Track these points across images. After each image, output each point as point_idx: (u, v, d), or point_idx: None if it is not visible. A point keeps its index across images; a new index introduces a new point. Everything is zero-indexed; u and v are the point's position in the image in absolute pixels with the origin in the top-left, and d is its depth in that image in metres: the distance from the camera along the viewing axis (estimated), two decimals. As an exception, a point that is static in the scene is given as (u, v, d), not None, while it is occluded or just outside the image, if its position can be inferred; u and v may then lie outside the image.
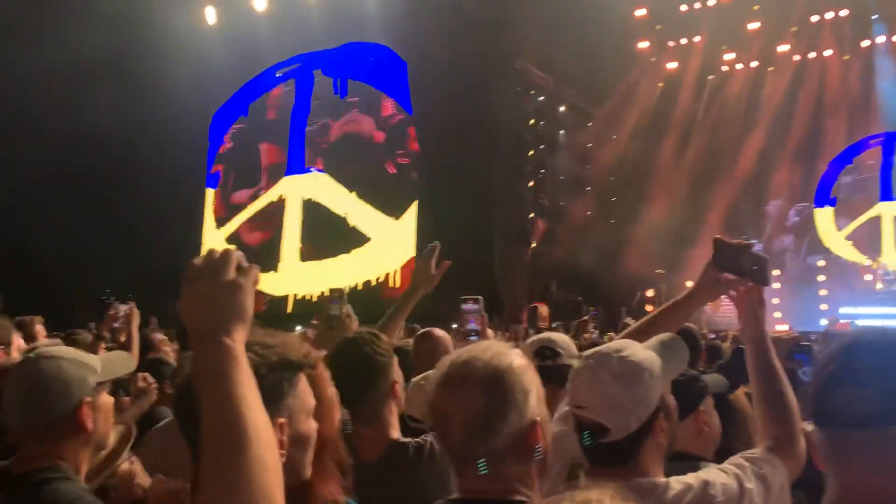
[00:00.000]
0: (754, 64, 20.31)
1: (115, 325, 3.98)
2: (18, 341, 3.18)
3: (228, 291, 1.12)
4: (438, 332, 3.57)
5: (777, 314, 19.48)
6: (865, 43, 19.34)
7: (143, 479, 2.40)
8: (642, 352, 1.73)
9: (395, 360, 2.40)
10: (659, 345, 1.79)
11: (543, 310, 17.51)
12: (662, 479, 1.68)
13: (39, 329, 3.93)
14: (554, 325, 11.55)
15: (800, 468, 1.83)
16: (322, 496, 1.51)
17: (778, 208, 20.61)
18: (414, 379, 2.61)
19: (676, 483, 1.67)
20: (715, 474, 1.72)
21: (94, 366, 2.02)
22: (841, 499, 1.12)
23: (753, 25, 19.44)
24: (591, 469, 1.73)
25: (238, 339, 1.10)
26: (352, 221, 19.94)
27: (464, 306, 3.20)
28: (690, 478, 1.70)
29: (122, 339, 3.52)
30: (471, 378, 1.40)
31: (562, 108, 20.49)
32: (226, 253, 1.16)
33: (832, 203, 19.96)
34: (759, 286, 2.00)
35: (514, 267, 17.89)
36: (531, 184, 19.27)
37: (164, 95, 18.08)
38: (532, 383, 1.44)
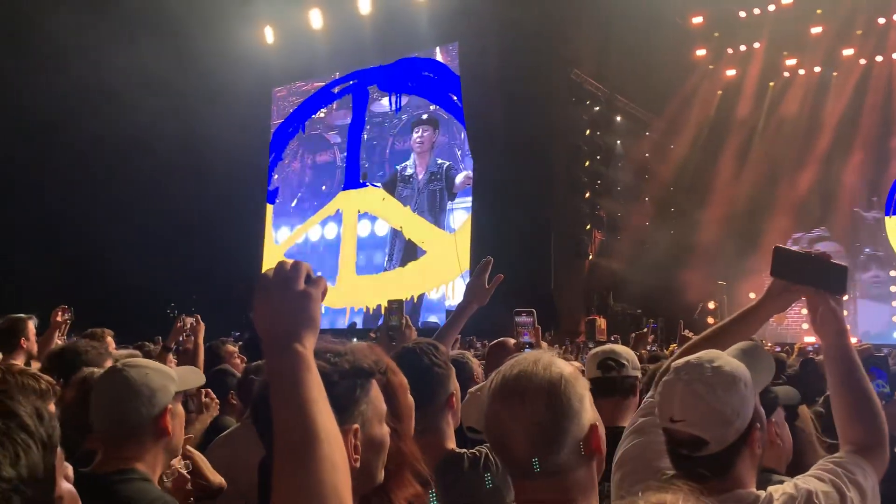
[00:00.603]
0: (817, 69, 19.75)
1: (182, 336, 4.09)
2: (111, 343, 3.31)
3: (299, 300, 1.18)
4: (512, 341, 3.58)
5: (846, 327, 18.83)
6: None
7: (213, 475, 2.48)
8: (733, 361, 1.69)
9: (453, 371, 2.40)
10: (741, 354, 1.75)
11: (601, 322, 17.29)
12: (762, 491, 1.65)
13: (110, 341, 4.06)
14: (612, 339, 11.37)
15: (884, 469, 1.78)
16: (404, 499, 1.51)
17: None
18: (471, 389, 2.61)
19: (777, 493, 1.64)
20: (814, 483, 1.67)
21: (173, 376, 2.14)
22: None
23: (816, 29, 18.92)
24: (685, 484, 1.69)
25: (308, 346, 1.15)
26: (407, 234, 20.10)
27: (517, 319, 3.18)
28: (789, 487, 1.66)
29: (189, 347, 3.61)
30: (529, 391, 1.40)
31: (618, 118, 20.27)
32: (296, 264, 1.21)
33: (903, 211, 19.23)
34: (827, 294, 1.92)
35: (571, 279, 17.71)
36: (587, 195, 19.09)
37: (226, 113, 18.59)
38: (584, 388, 1.44)
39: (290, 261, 1.22)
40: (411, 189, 20.53)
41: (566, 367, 1.46)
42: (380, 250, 20.64)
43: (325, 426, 1.08)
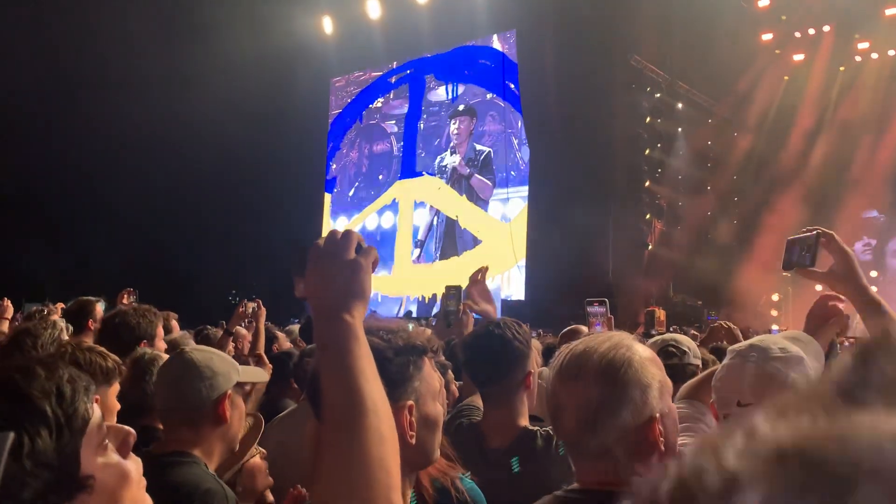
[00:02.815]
0: (892, 52, 18.89)
1: (245, 321, 4.16)
2: (161, 332, 3.39)
3: (349, 270, 1.16)
4: (584, 328, 3.58)
5: None
6: None
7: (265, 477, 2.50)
8: (792, 344, 1.65)
9: (534, 351, 2.40)
10: (792, 340, 1.71)
11: (661, 314, 16.96)
12: None
13: (174, 324, 4.16)
14: (671, 329, 11.16)
15: None
16: (429, 472, 1.52)
17: None
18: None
19: None
20: None
21: (238, 367, 2.16)
22: None
23: (891, 11, 18.09)
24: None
25: (357, 316, 1.13)
26: (463, 224, 20.09)
27: (589, 308, 3.15)
28: None
29: (251, 331, 3.68)
30: (585, 369, 1.36)
31: (679, 105, 19.80)
32: (347, 234, 1.20)
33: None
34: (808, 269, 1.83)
35: (630, 270, 17.43)
36: (647, 184, 18.73)
37: (286, 103, 18.88)
38: (654, 377, 1.37)
39: (341, 230, 1.20)
40: (445, 176, 20.61)
41: (639, 352, 1.39)
42: (429, 240, 20.75)
43: (372, 397, 1.06)
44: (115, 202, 16.45)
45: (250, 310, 3.83)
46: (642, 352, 1.40)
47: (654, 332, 7.95)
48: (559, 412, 1.39)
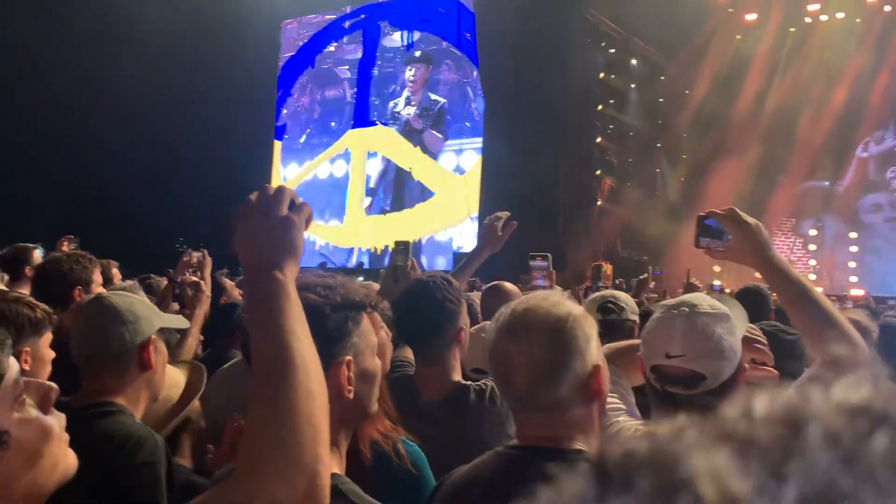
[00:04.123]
0: (840, 15, 19.19)
1: (189, 271, 4.09)
2: (99, 278, 3.30)
3: (281, 226, 1.15)
4: (508, 285, 3.59)
5: (853, 278, 18.81)
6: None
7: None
8: (719, 302, 1.72)
9: (465, 306, 2.42)
10: (720, 300, 1.78)
11: (608, 268, 17.28)
12: None
13: (115, 273, 4.07)
14: (616, 283, 11.41)
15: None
16: (369, 434, 1.55)
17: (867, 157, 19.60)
18: (470, 330, 2.62)
19: None
20: None
21: (158, 311, 2.10)
22: None
23: (842, -27, 18.36)
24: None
25: (289, 273, 1.13)
26: (416, 176, 20.00)
27: (532, 263, 3.19)
28: None
29: (188, 283, 3.61)
30: (535, 326, 1.41)
31: (633, 62, 19.86)
32: (280, 189, 1.18)
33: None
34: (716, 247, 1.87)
35: (579, 224, 17.66)
36: (599, 140, 18.86)
37: (234, 46, 18.31)
38: (592, 328, 1.45)
39: (274, 186, 1.18)
40: (399, 125, 20.45)
41: (576, 307, 1.46)
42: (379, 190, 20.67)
43: (301, 353, 1.06)
44: (57, 149, 15.89)
45: (195, 259, 3.76)
46: (578, 307, 1.48)
47: (600, 286, 8.15)
48: (508, 369, 1.42)
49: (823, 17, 19.41)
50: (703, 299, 1.70)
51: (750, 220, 1.84)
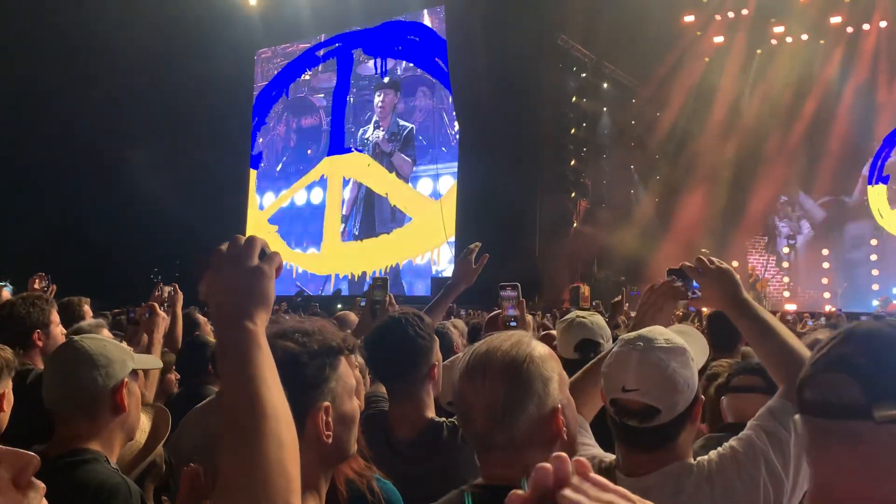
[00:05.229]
0: (805, 37, 19.66)
1: (163, 306, 4.06)
2: (56, 318, 3.26)
3: (251, 277, 1.15)
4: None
5: (826, 294, 19.07)
6: (923, 13, 18.56)
7: None
8: (677, 336, 1.76)
9: (437, 342, 2.43)
10: (680, 334, 1.82)
11: (585, 290, 17.34)
12: (701, 457, 1.74)
13: (87, 310, 4.03)
14: (594, 304, 11.46)
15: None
16: (344, 472, 1.56)
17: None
18: (445, 362, 2.64)
19: (707, 459, 1.74)
20: (734, 440, 1.78)
21: (132, 353, 2.09)
22: (814, 499, 1.00)
23: (805, -3, 18.82)
24: (627, 456, 1.74)
25: (259, 323, 1.13)
26: (393, 201, 20.04)
27: (501, 293, 3.21)
28: (713, 454, 1.75)
29: (143, 318, 3.57)
30: (490, 368, 1.42)
31: (605, 85, 20.16)
32: (251, 240, 1.19)
33: (885, 180, 19.34)
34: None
35: (556, 247, 17.77)
36: (573, 163, 19.05)
37: (209, 75, 18.32)
38: (553, 370, 1.45)
39: (244, 236, 1.20)
40: (368, 152, 20.56)
41: (538, 349, 1.47)
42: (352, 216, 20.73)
43: (272, 403, 1.07)
44: (24, 179, 15.75)
45: (166, 294, 3.73)
46: (541, 348, 1.48)
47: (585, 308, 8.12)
48: (468, 411, 1.44)
49: (788, 39, 19.87)
50: (659, 333, 1.74)
51: (720, 266, 1.96)
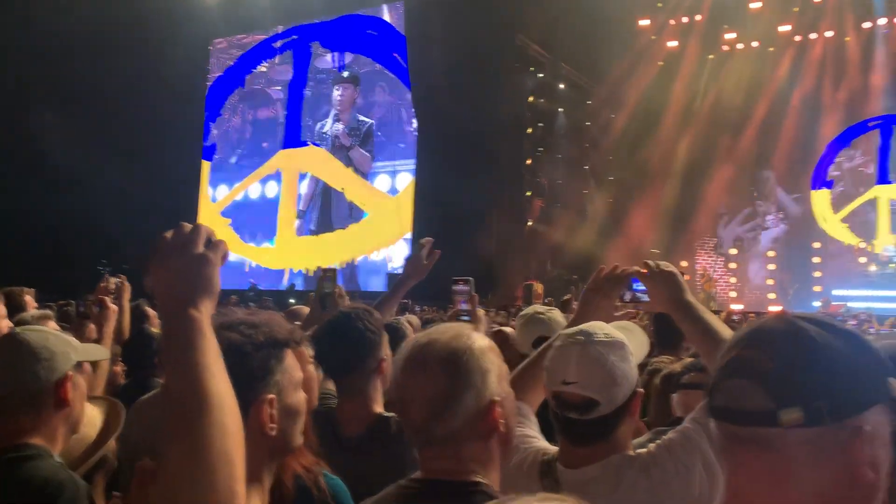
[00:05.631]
0: (755, 44, 20.15)
1: (108, 297, 3.98)
2: (2, 310, 3.17)
3: (196, 265, 1.15)
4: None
5: (771, 295, 19.60)
6: (867, 25, 19.18)
7: None
8: (618, 331, 1.81)
9: (386, 337, 2.44)
10: (621, 328, 1.87)
11: (538, 287, 17.50)
12: (641, 449, 1.79)
13: (29, 300, 3.93)
14: (545, 302, 11.59)
15: None
16: (292, 468, 1.56)
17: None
18: (395, 358, 2.65)
19: (648, 447, 1.79)
20: (672, 432, 1.83)
21: (75, 345, 2.04)
22: (726, 503, 0.99)
23: (755, 5, 19.28)
24: (568, 448, 1.77)
25: (204, 311, 1.13)
26: (349, 196, 19.93)
27: (454, 287, 3.23)
28: (652, 446, 1.80)
29: (94, 310, 3.49)
30: (430, 360, 1.42)
31: (561, 86, 20.36)
32: (196, 227, 1.19)
33: (829, 185, 19.95)
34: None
35: (511, 245, 17.90)
36: (529, 162, 19.20)
37: (162, 65, 17.95)
38: (492, 363, 1.45)
39: (190, 224, 1.20)
40: (327, 146, 20.43)
41: (478, 341, 1.47)
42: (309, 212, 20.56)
43: (216, 391, 1.07)
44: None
45: (112, 285, 3.65)
46: (481, 341, 1.49)
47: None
48: (407, 404, 1.44)
49: (740, 46, 20.34)
50: (599, 328, 1.79)
51: (665, 269, 2.01)
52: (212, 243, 1.19)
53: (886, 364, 0.95)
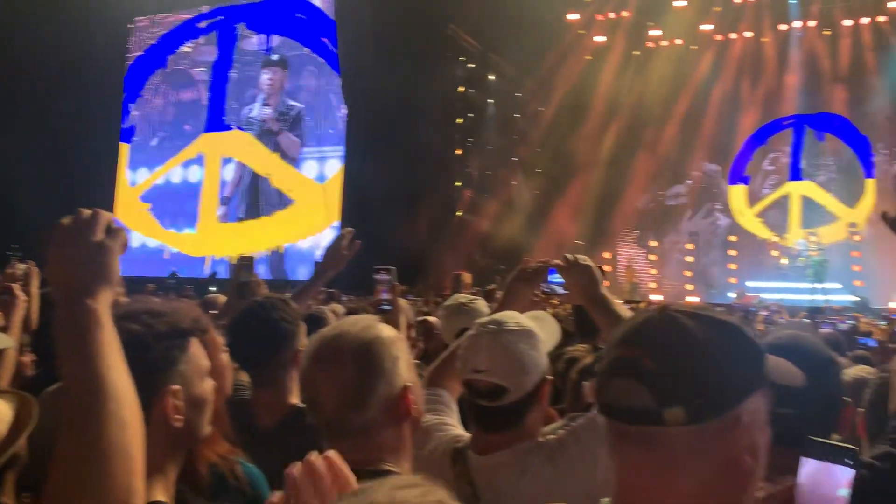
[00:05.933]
0: (679, 41, 20.74)
1: (13, 284, 3.79)
2: None
3: (94, 253, 1.12)
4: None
5: (689, 286, 20.29)
6: (783, 27, 20.01)
7: None
8: (529, 320, 1.87)
9: (303, 327, 2.40)
10: (534, 319, 1.92)
11: (467, 277, 17.62)
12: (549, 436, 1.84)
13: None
14: (473, 291, 11.69)
15: None
16: (207, 456, 1.54)
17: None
18: None
19: (556, 433, 1.84)
20: (580, 418, 1.90)
21: None
22: (615, 498, 1.00)
23: (679, 3, 19.82)
24: (479, 435, 1.81)
25: (102, 301, 1.11)
26: (275, 183, 19.59)
27: (376, 276, 3.23)
28: (563, 430, 1.87)
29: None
30: (341, 351, 1.44)
31: (491, 77, 20.48)
32: (95, 213, 1.16)
33: (745, 181, 20.74)
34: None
35: (440, 235, 17.94)
36: (459, 152, 19.28)
37: (80, 43, 17.21)
38: (401, 350, 1.49)
39: (89, 210, 1.15)
40: (254, 131, 20.08)
41: (385, 331, 1.51)
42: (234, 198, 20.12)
43: (114, 383, 1.05)
44: None
45: (20, 272, 3.47)
46: (388, 331, 1.52)
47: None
48: (318, 394, 1.45)
49: (664, 43, 20.89)
50: (510, 317, 1.84)
51: (582, 262, 2.10)
52: (111, 230, 1.15)
53: (761, 350, 0.98)
